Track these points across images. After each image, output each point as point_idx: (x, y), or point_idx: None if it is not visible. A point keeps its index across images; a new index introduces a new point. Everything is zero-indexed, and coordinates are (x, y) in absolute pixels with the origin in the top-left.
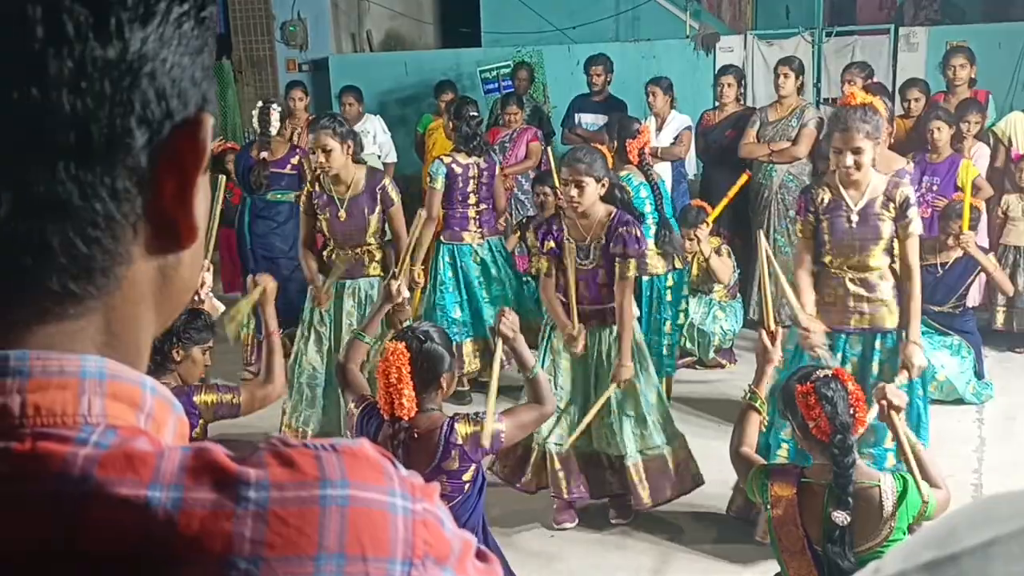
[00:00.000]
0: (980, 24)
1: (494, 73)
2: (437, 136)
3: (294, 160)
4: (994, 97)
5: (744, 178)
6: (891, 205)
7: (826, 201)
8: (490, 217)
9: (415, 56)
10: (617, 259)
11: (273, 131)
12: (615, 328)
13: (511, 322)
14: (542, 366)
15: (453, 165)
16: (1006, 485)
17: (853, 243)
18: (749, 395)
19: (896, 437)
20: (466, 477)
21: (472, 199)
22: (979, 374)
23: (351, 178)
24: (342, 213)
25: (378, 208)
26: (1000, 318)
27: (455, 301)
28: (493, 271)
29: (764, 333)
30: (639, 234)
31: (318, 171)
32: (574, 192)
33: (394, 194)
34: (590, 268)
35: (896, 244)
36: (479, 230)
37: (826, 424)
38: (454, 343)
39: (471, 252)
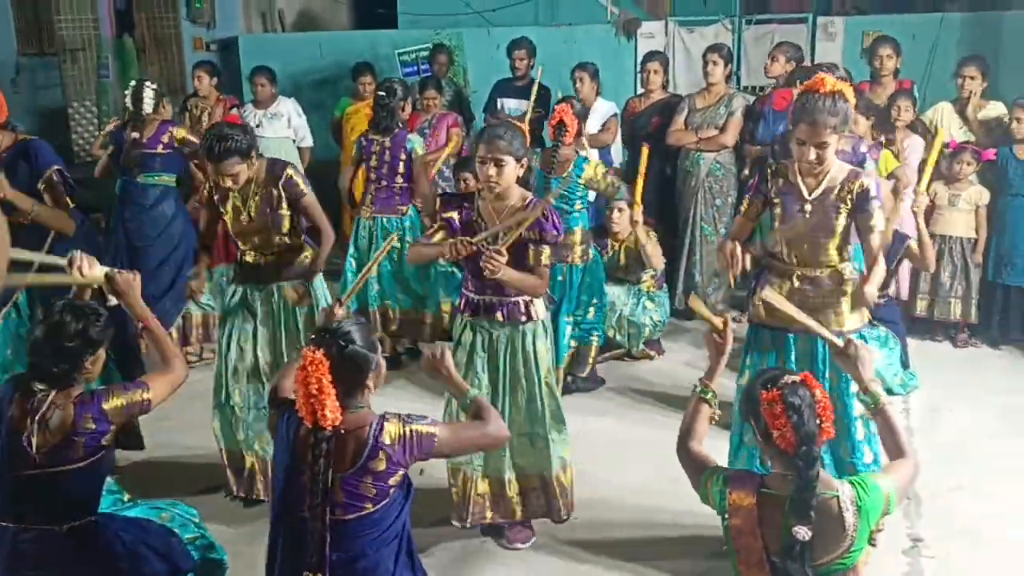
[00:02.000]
0: (895, 15)
1: (413, 56)
2: (355, 121)
3: (164, 138)
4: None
5: (646, 150)
6: (848, 197)
7: (780, 185)
8: (388, 196)
9: (330, 37)
10: (531, 244)
11: (147, 109)
12: (525, 326)
13: (445, 362)
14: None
15: (363, 140)
16: (937, 476)
17: (804, 234)
18: (700, 388)
19: (858, 383)
20: (392, 481)
21: (372, 175)
22: (904, 364)
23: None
24: (244, 216)
25: (285, 203)
26: (921, 305)
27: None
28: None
29: (715, 323)
30: (557, 220)
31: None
32: (492, 171)
33: (303, 184)
34: None
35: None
36: (371, 207)
37: (791, 434)
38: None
39: (367, 226)
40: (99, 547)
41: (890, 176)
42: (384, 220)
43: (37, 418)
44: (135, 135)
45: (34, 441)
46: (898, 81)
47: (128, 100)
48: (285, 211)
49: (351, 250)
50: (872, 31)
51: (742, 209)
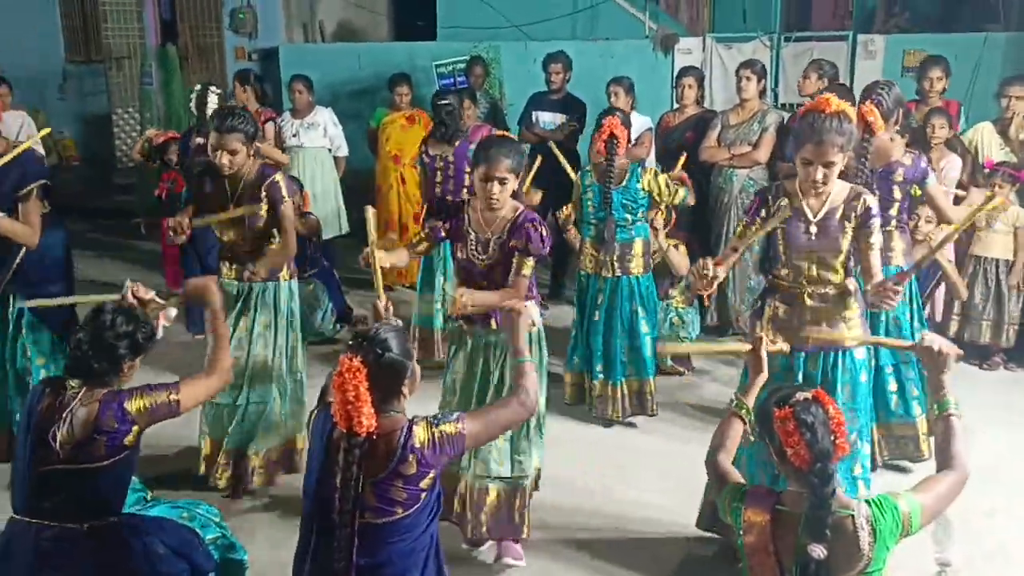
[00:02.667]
0: (937, 34)
1: (449, 68)
2: (391, 131)
3: None
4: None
5: (682, 160)
6: (852, 215)
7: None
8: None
9: (369, 48)
10: (516, 253)
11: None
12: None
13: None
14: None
15: (423, 155)
16: (969, 499)
17: (811, 255)
18: (736, 403)
19: (937, 387)
20: (423, 484)
21: (438, 189)
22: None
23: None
24: (229, 206)
25: (266, 204)
26: (953, 327)
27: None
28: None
29: (754, 340)
30: (544, 233)
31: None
32: (496, 189)
33: (285, 192)
34: (487, 265)
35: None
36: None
37: (806, 452)
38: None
39: None
40: (120, 547)
41: (923, 194)
42: None
43: (64, 414)
44: (200, 140)
45: (58, 436)
46: (945, 101)
47: (193, 105)
48: (263, 211)
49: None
50: (913, 49)
51: (736, 231)
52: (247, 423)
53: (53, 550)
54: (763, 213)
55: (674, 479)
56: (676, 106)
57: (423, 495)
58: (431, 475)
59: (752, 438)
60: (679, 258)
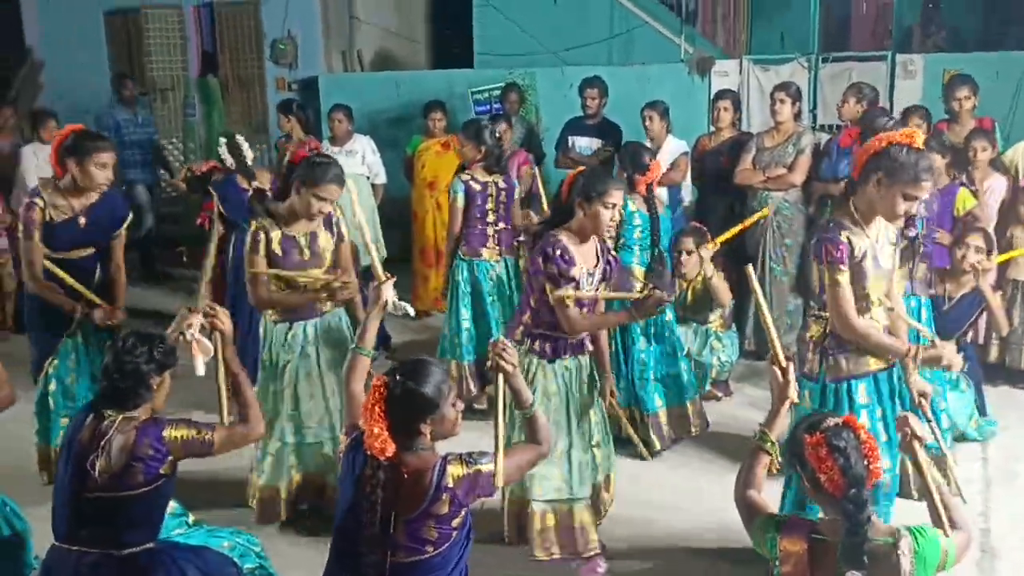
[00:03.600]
0: (978, 52)
1: (486, 95)
2: (426, 158)
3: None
4: (998, 126)
5: (766, 212)
6: (899, 241)
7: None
8: (507, 236)
9: (407, 76)
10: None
11: (249, 159)
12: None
13: (510, 356)
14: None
15: (471, 183)
16: (1015, 528)
17: (879, 282)
18: (759, 436)
19: (919, 471)
20: (455, 523)
21: (491, 217)
22: (981, 410)
23: None
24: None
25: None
26: (994, 352)
27: (469, 316)
28: (507, 291)
29: (777, 369)
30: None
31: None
32: (616, 217)
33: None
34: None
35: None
36: (496, 247)
37: (839, 478)
38: (465, 362)
39: (488, 268)
40: (158, 574)
41: (966, 215)
42: (508, 260)
43: (103, 442)
44: (255, 184)
45: (98, 465)
46: (978, 119)
47: (226, 153)
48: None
49: (463, 296)
50: (952, 69)
51: (841, 279)
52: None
53: None
54: (852, 256)
55: (707, 508)
56: (712, 129)
57: (454, 533)
58: (463, 514)
59: (776, 470)
60: (721, 285)
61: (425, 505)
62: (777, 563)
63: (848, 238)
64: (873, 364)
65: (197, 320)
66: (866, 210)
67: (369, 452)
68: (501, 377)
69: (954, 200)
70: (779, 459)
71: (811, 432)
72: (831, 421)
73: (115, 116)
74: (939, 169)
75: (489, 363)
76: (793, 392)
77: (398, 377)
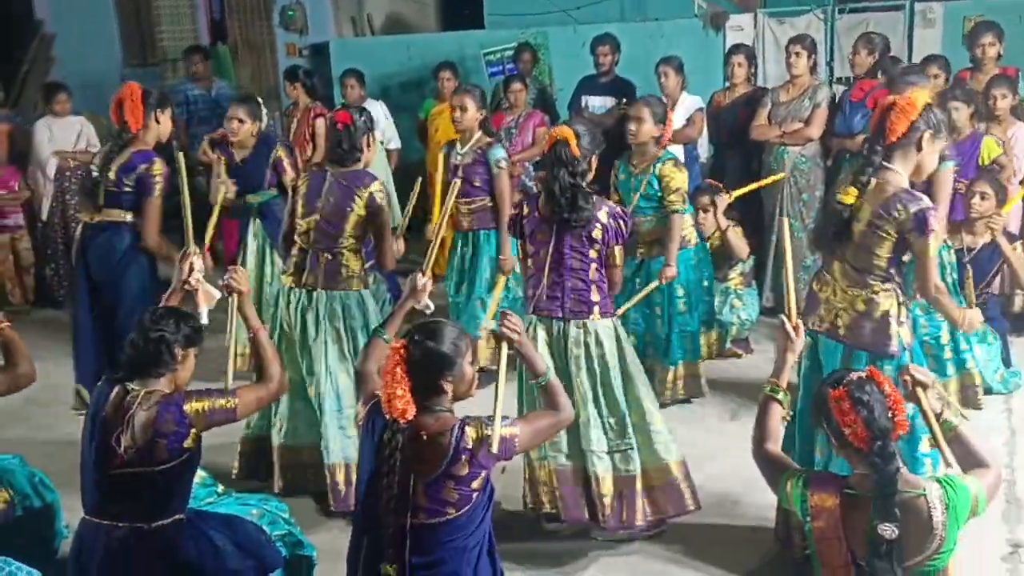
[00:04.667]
0: None
1: (498, 56)
2: (439, 122)
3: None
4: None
5: (782, 175)
6: None
7: None
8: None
9: (418, 39)
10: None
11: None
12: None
13: (514, 324)
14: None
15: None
16: None
17: None
18: (770, 387)
19: (925, 418)
20: (475, 485)
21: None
22: (1007, 362)
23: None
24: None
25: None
26: (1018, 302)
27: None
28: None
29: (787, 321)
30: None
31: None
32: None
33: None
34: None
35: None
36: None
37: (863, 430)
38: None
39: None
40: (187, 544)
41: (992, 163)
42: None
43: (126, 418)
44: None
45: (123, 441)
46: (1001, 68)
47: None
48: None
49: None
50: (973, 16)
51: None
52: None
53: (122, 548)
54: None
55: (730, 464)
56: (727, 85)
57: (475, 495)
58: (482, 476)
59: (787, 418)
60: (737, 239)
61: (444, 466)
62: (808, 519)
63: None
64: None
65: (198, 264)
66: (914, 173)
67: (389, 416)
68: (504, 348)
69: (978, 149)
70: (789, 410)
71: (834, 387)
72: (854, 375)
73: (186, 91)
74: (963, 119)
75: (496, 333)
76: (799, 345)
77: (416, 337)
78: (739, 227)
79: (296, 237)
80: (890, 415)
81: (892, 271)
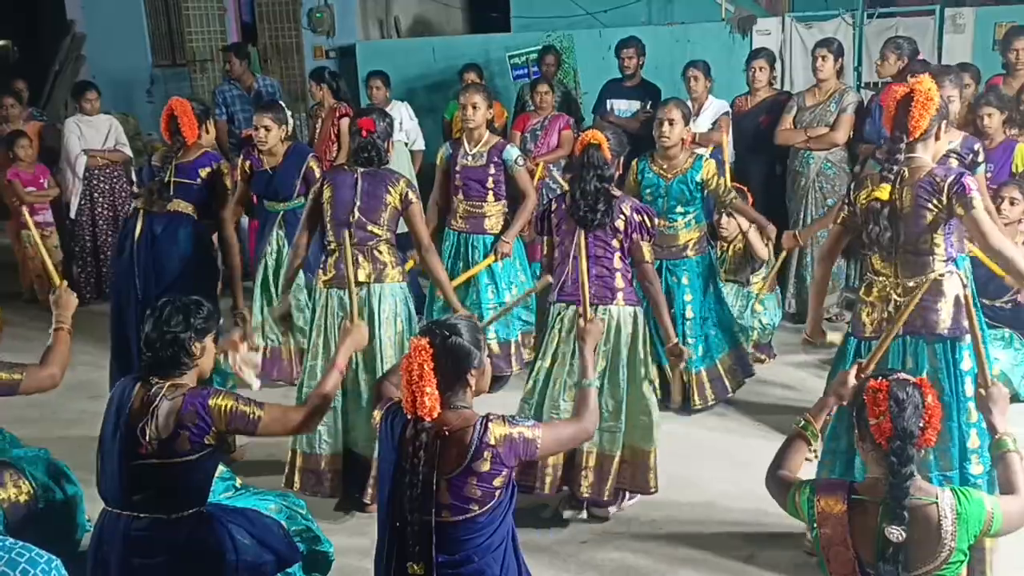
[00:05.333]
0: None
1: (523, 59)
2: None
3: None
4: None
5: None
6: None
7: None
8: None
9: (443, 42)
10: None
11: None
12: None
13: (597, 330)
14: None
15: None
16: None
17: None
18: (803, 423)
19: (993, 429)
20: (497, 482)
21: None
22: None
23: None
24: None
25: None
26: None
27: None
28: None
29: (850, 376)
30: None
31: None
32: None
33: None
34: None
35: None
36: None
37: (888, 426)
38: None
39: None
40: (207, 537)
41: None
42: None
43: (151, 409)
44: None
45: (147, 431)
46: None
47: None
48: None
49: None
50: (1004, 22)
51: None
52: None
53: (142, 540)
54: None
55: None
56: (748, 89)
57: (498, 492)
58: (504, 473)
59: (810, 458)
60: (759, 242)
61: (467, 462)
62: (815, 525)
63: None
64: None
65: (240, 351)
66: (933, 157)
67: (413, 415)
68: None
69: (1012, 156)
70: (817, 451)
71: (877, 378)
72: (902, 375)
73: (224, 92)
74: (995, 124)
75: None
76: (849, 392)
77: (439, 332)
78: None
79: (330, 241)
80: (921, 424)
81: (952, 252)
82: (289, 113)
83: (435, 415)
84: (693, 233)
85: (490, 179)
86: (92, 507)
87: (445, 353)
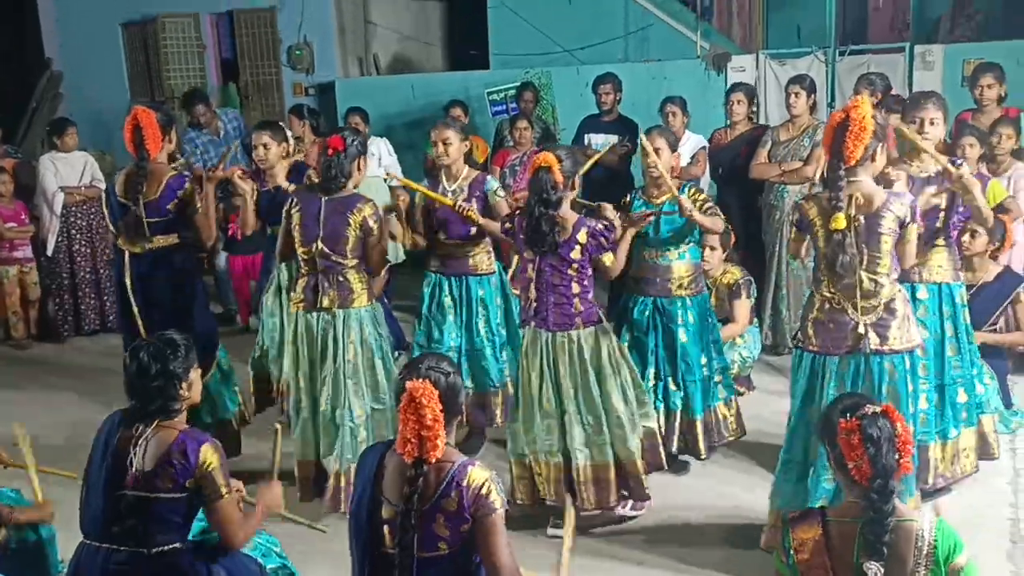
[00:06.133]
0: (998, 41)
1: (502, 95)
2: None
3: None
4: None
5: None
6: None
7: None
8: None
9: (422, 79)
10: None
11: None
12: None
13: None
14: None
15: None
16: None
17: None
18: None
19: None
20: (464, 528)
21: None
22: (1006, 402)
23: None
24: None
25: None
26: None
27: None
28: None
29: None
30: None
31: None
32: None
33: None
34: None
35: None
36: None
37: (868, 467)
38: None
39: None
40: (184, 573)
41: (998, 208)
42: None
43: (140, 441)
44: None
45: (135, 462)
46: (1004, 109)
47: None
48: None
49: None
50: (972, 59)
51: None
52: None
53: (120, 573)
54: None
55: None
56: (728, 123)
57: (466, 536)
58: (469, 525)
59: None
60: (742, 309)
61: (435, 499)
62: (793, 553)
63: None
64: None
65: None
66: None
67: (412, 459)
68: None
69: (985, 191)
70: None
71: (846, 416)
72: (869, 408)
73: (194, 141)
74: (973, 158)
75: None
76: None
77: (436, 370)
78: (739, 267)
79: (301, 263)
80: (897, 456)
81: (897, 269)
82: (289, 132)
83: (439, 456)
84: (687, 268)
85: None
86: (66, 547)
87: (448, 393)
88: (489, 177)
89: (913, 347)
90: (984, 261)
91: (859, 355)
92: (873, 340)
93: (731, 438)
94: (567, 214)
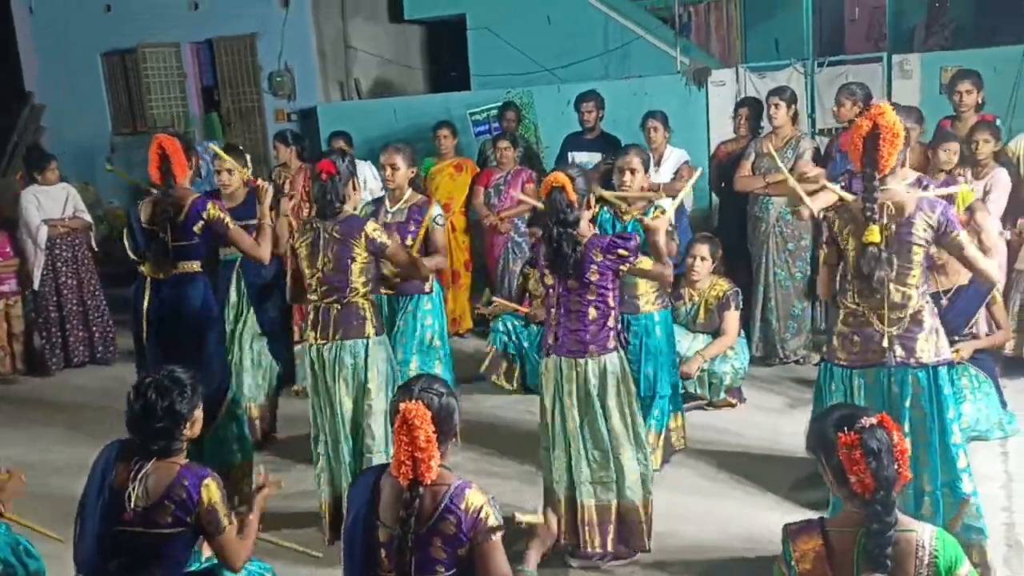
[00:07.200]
0: (974, 49)
1: (484, 115)
2: (439, 180)
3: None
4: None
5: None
6: None
7: None
8: None
9: (404, 102)
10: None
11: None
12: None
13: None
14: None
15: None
16: None
17: None
18: None
19: None
20: (461, 552)
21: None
22: (1002, 404)
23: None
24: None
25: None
26: (1010, 345)
27: None
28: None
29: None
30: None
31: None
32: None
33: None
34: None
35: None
36: None
37: (871, 481)
38: None
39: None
40: None
41: (968, 209)
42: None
43: (140, 476)
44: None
45: (133, 497)
46: (981, 115)
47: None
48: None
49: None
50: (949, 67)
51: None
52: None
53: None
54: None
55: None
56: (732, 136)
57: (462, 561)
58: (467, 548)
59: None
60: (732, 322)
61: (432, 521)
62: (795, 564)
63: None
64: None
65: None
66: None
67: (407, 481)
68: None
69: (955, 200)
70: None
71: (844, 429)
72: (866, 420)
73: None
74: (952, 162)
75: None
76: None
77: (428, 391)
78: (726, 278)
79: (308, 294)
80: (896, 466)
81: (927, 283)
82: (248, 157)
83: (434, 478)
84: (649, 283)
85: (409, 236)
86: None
87: (441, 414)
88: (435, 204)
89: (941, 361)
90: (956, 265)
91: (885, 368)
92: (899, 352)
93: (679, 448)
94: (584, 232)
